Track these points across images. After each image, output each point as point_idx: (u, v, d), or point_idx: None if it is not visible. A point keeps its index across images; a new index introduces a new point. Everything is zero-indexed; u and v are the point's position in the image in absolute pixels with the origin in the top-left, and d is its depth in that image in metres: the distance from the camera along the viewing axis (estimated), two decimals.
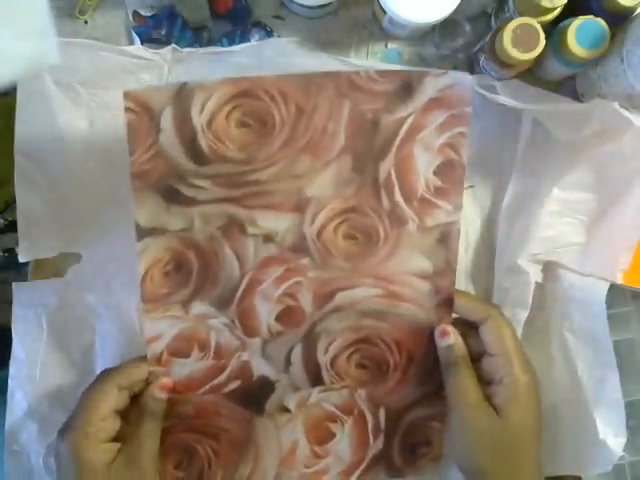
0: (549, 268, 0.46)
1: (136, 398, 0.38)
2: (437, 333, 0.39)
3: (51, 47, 0.34)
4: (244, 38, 0.46)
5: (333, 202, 0.37)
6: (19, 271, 0.48)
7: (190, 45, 0.46)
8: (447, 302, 0.39)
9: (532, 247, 0.44)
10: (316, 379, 0.40)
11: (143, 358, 0.39)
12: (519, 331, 0.45)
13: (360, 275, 0.38)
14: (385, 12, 0.42)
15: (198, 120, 0.36)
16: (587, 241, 0.45)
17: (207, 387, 0.39)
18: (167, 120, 0.36)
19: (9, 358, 0.45)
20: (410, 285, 0.39)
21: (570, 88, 0.47)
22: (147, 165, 0.36)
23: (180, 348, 0.39)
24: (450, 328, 0.38)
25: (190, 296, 0.38)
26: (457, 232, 0.38)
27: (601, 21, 0.39)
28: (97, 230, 0.45)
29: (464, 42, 0.46)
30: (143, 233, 0.37)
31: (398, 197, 0.37)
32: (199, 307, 0.38)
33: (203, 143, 0.36)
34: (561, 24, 0.41)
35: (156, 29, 0.45)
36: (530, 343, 0.47)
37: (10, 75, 0.34)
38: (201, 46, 0.46)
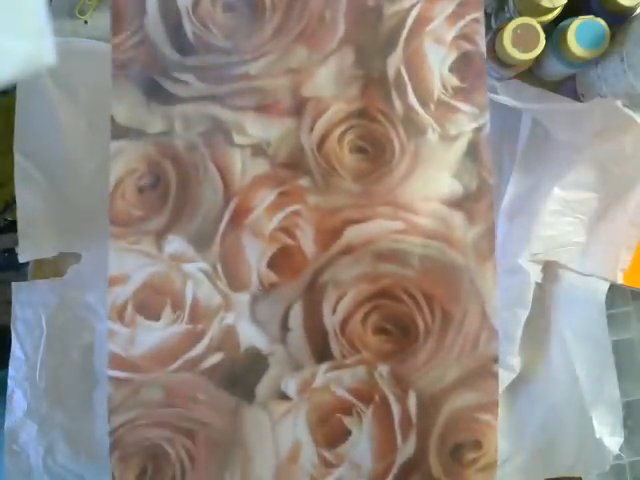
0: (549, 268, 0.46)
1: None
2: None
3: (48, 48, 0.34)
4: None
5: (336, 104, 0.31)
6: (19, 271, 0.48)
7: None
8: (487, 235, 0.31)
9: (532, 247, 0.44)
10: (322, 351, 0.31)
11: None
12: (519, 331, 0.45)
13: (374, 202, 0.31)
14: None
15: (183, 2, 0.32)
16: (587, 241, 0.45)
17: (180, 361, 0.31)
18: (152, 2, 0.32)
19: (9, 358, 0.45)
20: (438, 216, 0.31)
21: (570, 88, 0.47)
22: (131, 53, 0.32)
23: (149, 303, 0.31)
24: None
25: (165, 226, 0.32)
26: (487, 140, 0.32)
27: (601, 21, 0.39)
28: (97, 230, 0.45)
29: None
30: (119, 132, 0.32)
31: (412, 99, 0.31)
32: (175, 244, 0.31)
33: (188, 29, 0.32)
34: (561, 24, 0.41)
35: None
36: (530, 343, 0.47)
37: (7, 75, 0.34)
38: None
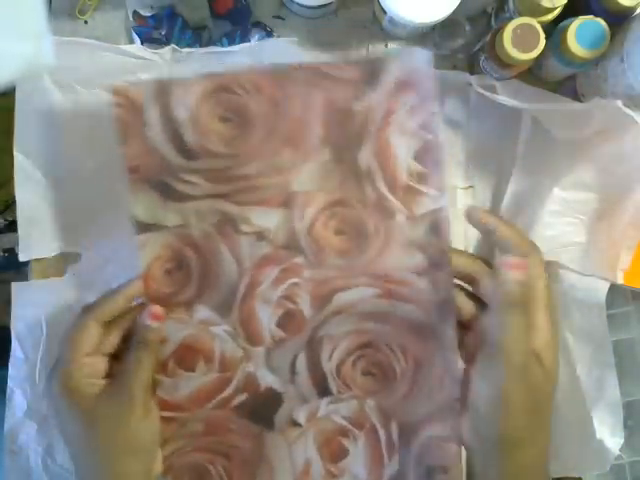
0: (549, 268, 0.46)
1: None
2: (506, 264, 0.34)
3: (48, 48, 0.34)
4: (244, 38, 0.46)
5: (319, 196, 0.37)
6: (19, 271, 0.48)
7: (190, 45, 0.46)
8: (447, 298, 0.37)
9: None
10: (323, 389, 0.39)
11: (118, 290, 0.38)
12: None
13: (355, 274, 0.38)
14: (385, 12, 0.42)
15: (180, 116, 0.37)
16: (587, 241, 0.45)
17: (214, 401, 0.38)
18: (152, 115, 0.37)
19: (9, 358, 0.45)
20: (407, 283, 0.38)
21: (570, 88, 0.47)
22: (139, 160, 0.37)
23: (186, 358, 0.38)
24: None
25: (193, 298, 0.38)
26: (446, 219, 0.37)
27: (601, 21, 0.39)
28: (97, 230, 0.45)
29: (464, 42, 0.46)
30: (142, 228, 0.37)
31: (382, 188, 0.37)
32: (201, 312, 0.38)
33: (189, 138, 0.37)
34: (561, 24, 0.41)
35: (156, 29, 0.45)
36: None
37: (7, 75, 0.34)
38: (201, 46, 0.46)
